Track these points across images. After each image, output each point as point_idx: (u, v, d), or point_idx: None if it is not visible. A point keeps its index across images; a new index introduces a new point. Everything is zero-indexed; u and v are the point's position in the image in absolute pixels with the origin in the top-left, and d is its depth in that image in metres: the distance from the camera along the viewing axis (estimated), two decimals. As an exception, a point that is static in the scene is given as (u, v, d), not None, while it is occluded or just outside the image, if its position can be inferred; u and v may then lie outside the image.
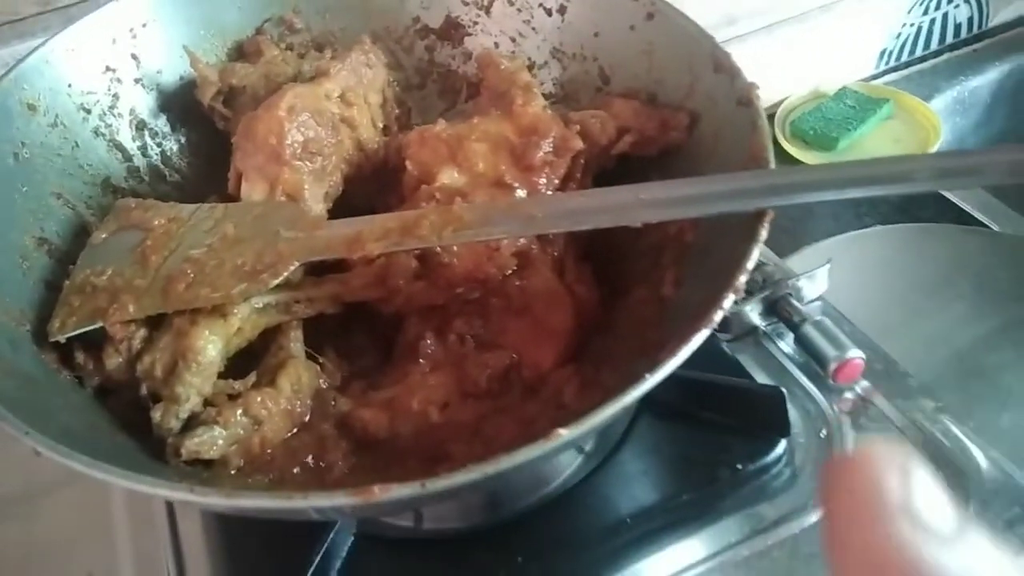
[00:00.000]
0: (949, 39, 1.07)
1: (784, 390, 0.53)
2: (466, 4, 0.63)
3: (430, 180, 0.51)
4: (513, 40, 0.62)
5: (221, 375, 0.45)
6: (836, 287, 0.66)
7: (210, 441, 0.42)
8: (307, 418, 0.46)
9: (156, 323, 0.45)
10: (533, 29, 0.61)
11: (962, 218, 0.87)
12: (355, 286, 0.48)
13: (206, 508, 0.47)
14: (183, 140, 0.59)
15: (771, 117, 0.95)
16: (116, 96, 0.56)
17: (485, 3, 0.63)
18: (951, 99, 1.03)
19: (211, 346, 0.44)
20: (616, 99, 0.55)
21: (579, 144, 0.51)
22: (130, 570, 0.55)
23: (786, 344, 0.62)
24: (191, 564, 0.53)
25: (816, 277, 0.62)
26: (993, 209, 0.88)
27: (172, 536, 0.55)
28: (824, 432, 0.56)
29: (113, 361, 0.44)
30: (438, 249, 0.48)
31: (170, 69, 0.58)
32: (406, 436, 0.45)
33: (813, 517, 0.51)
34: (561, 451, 0.38)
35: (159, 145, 0.58)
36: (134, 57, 0.57)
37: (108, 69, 0.56)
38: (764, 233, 0.41)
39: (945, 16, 1.05)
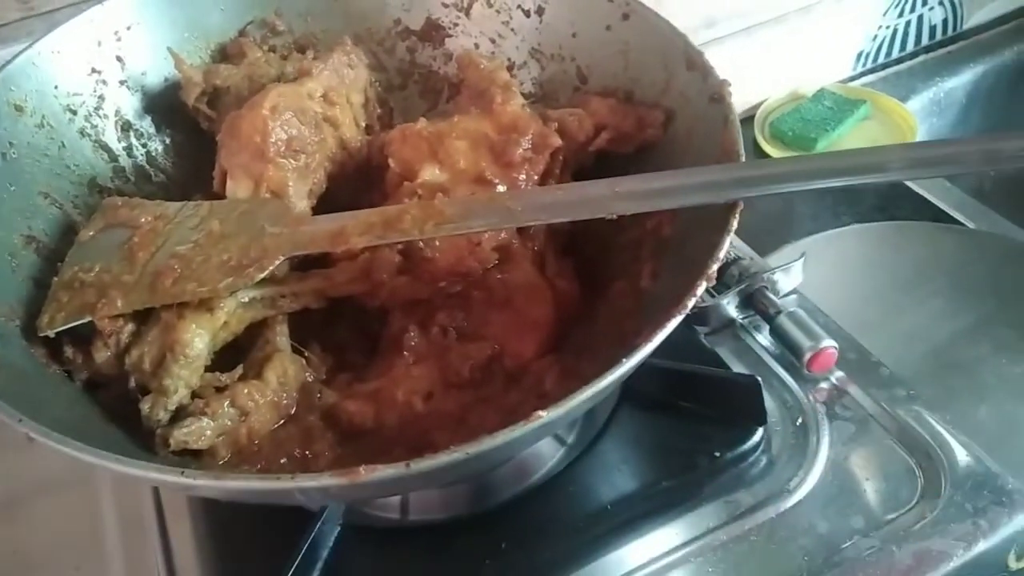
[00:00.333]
0: (925, 41, 1.09)
1: (760, 379, 0.55)
2: (446, 6, 0.64)
3: (412, 177, 0.52)
4: (492, 41, 0.64)
5: (208, 369, 0.46)
6: (815, 284, 0.68)
7: (198, 431, 0.43)
8: (293, 410, 0.47)
9: (144, 317, 0.46)
10: (512, 30, 0.63)
11: (939, 216, 0.88)
12: (339, 281, 0.49)
13: (195, 493, 0.48)
14: (168, 140, 0.60)
15: (750, 118, 0.96)
16: (101, 97, 0.57)
17: (465, 5, 0.64)
18: (927, 100, 1.05)
19: (198, 339, 0.44)
20: (593, 97, 0.56)
21: (557, 141, 0.52)
22: (121, 572, 0.55)
23: (763, 336, 0.64)
24: (181, 563, 0.54)
25: (791, 270, 0.64)
26: (969, 207, 0.89)
27: (161, 535, 0.55)
28: (800, 420, 0.58)
29: (102, 355, 0.45)
30: (421, 244, 0.50)
31: (154, 71, 0.59)
32: (391, 427, 0.46)
33: (790, 502, 0.53)
34: (542, 433, 0.39)
35: (144, 145, 0.59)
36: (119, 59, 0.58)
37: (93, 71, 0.56)
38: (735, 223, 0.42)
39: (920, 18, 1.07)
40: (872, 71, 1.07)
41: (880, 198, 0.90)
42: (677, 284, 0.41)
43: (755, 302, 0.63)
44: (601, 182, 0.47)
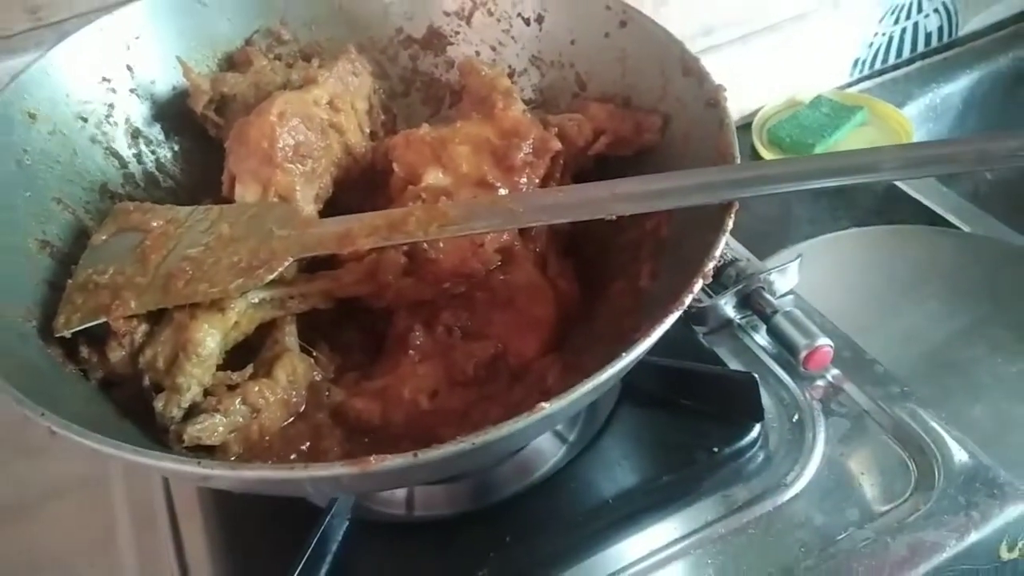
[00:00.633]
0: (920, 47, 1.10)
1: (758, 377, 0.56)
2: (447, 15, 0.66)
3: (416, 181, 0.54)
4: (493, 49, 0.65)
5: (219, 368, 0.47)
6: (812, 287, 0.69)
7: (211, 428, 0.44)
8: (302, 408, 0.48)
9: (157, 318, 0.47)
10: (512, 38, 0.64)
11: (935, 220, 0.89)
12: (346, 282, 0.50)
13: (211, 484, 0.49)
14: (176, 147, 0.61)
15: (748, 125, 0.97)
16: (112, 105, 0.58)
17: (466, 14, 0.65)
18: (924, 106, 1.06)
19: (210, 338, 0.46)
20: (592, 103, 0.58)
21: (557, 145, 0.54)
22: (134, 567, 0.56)
23: (760, 336, 0.65)
24: (192, 558, 0.55)
25: (787, 271, 0.65)
26: (965, 211, 0.90)
27: (173, 531, 0.57)
28: (796, 417, 0.59)
29: (116, 354, 0.46)
30: (425, 246, 0.51)
31: (163, 79, 0.61)
32: (398, 423, 0.47)
33: (786, 496, 0.54)
34: (545, 425, 0.40)
35: (153, 152, 0.60)
36: (128, 68, 0.59)
37: (104, 79, 0.58)
38: (731, 223, 0.44)
39: (916, 25, 1.08)
40: (868, 78, 1.08)
41: (877, 202, 0.91)
42: (675, 283, 0.43)
43: (752, 302, 0.64)
44: (600, 184, 0.48)
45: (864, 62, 1.07)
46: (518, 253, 0.52)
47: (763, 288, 0.64)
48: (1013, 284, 0.79)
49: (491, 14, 0.65)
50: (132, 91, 0.59)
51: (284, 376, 0.48)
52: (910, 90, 1.06)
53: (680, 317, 0.40)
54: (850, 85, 1.07)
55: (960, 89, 1.08)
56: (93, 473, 0.60)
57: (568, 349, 0.49)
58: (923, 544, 0.51)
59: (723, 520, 0.53)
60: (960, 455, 0.56)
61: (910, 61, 1.10)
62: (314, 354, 0.51)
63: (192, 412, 0.46)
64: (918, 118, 1.04)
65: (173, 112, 0.61)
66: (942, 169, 0.47)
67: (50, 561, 0.58)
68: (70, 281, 0.49)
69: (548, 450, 0.55)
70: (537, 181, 0.53)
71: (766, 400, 0.58)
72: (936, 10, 1.08)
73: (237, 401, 0.46)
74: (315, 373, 0.50)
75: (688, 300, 0.40)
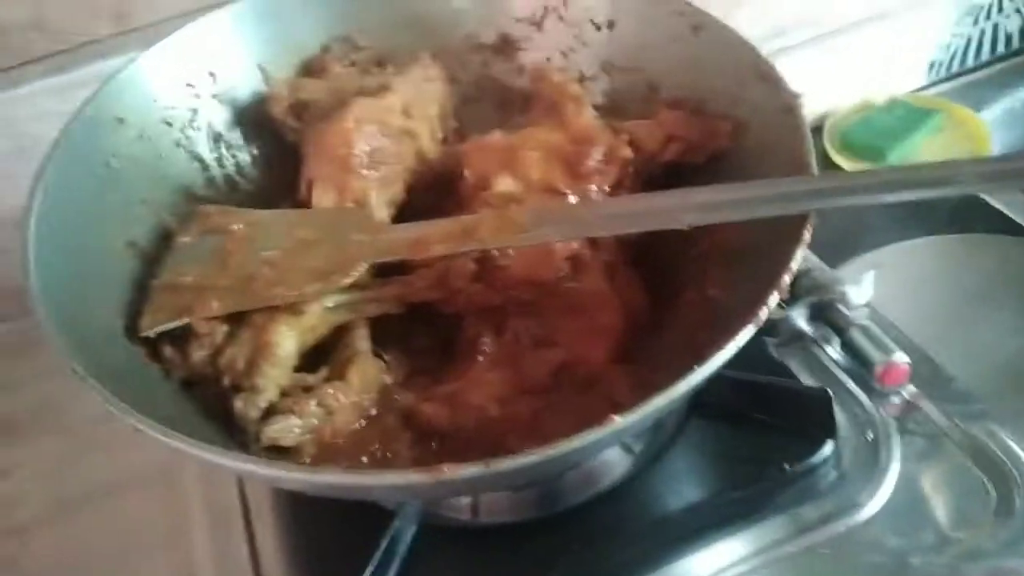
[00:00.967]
0: (1000, 50, 1.06)
1: (831, 392, 0.55)
2: (519, 21, 0.66)
3: (486, 187, 0.54)
4: (564, 54, 0.65)
5: (295, 370, 0.48)
6: (884, 297, 0.67)
7: (287, 429, 0.45)
8: (373, 411, 0.49)
9: (236, 319, 0.48)
10: (583, 43, 0.64)
11: (1013, 229, 0.86)
12: (418, 287, 0.51)
13: (286, 486, 0.50)
14: (255, 152, 0.63)
15: (819, 128, 0.95)
16: (195, 111, 0.60)
17: (537, 20, 0.65)
18: (1001, 110, 1.02)
19: (288, 341, 0.47)
20: (663, 109, 0.57)
21: (628, 152, 0.53)
22: (207, 559, 0.58)
23: (833, 349, 0.63)
24: (265, 556, 0.56)
25: (862, 283, 0.63)
26: (1044, 220, 0.87)
27: (247, 529, 0.58)
28: (871, 435, 0.57)
29: (198, 355, 0.47)
30: (495, 252, 0.51)
31: (243, 85, 0.62)
32: (466, 429, 0.48)
33: (859, 517, 0.52)
34: (615, 439, 0.40)
35: (234, 156, 0.62)
36: (211, 74, 0.61)
37: (188, 85, 0.60)
38: (807, 236, 0.43)
39: (995, 26, 1.05)
40: (945, 80, 1.05)
41: (951, 210, 0.88)
42: (749, 295, 0.42)
43: (826, 314, 0.63)
44: (672, 193, 0.48)
45: (941, 64, 1.04)
46: (587, 261, 0.52)
47: (837, 300, 0.62)
48: (1096, 296, 0.76)
49: (562, 20, 0.64)
50: (214, 96, 0.61)
51: (357, 379, 0.49)
52: (988, 93, 1.02)
53: (751, 329, 0.39)
54: (925, 88, 1.04)
55: (1041, 93, 1.04)
56: (169, 467, 0.62)
57: (637, 360, 0.49)
58: (1002, 572, 0.49)
59: (793, 540, 0.52)
60: (1042, 478, 0.54)
61: (989, 63, 1.06)
62: (385, 357, 0.52)
63: (269, 413, 0.47)
64: (996, 123, 1.00)
65: (252, 117, 0.62)
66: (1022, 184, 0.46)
67: (125, 551, 0.60)
68: (154, 282, 0.50)
69: (615, 460, 0.55)
70: (607, 188, 0.53)
71: (839, 417, 0.56)
72: (1018, 10, 1.04)
73: (312, 403, 0.47)
74: (386, 376, 0.51)
75: (764, 315, 0.39)
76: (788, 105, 0.50)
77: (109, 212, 0.52)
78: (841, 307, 0.62)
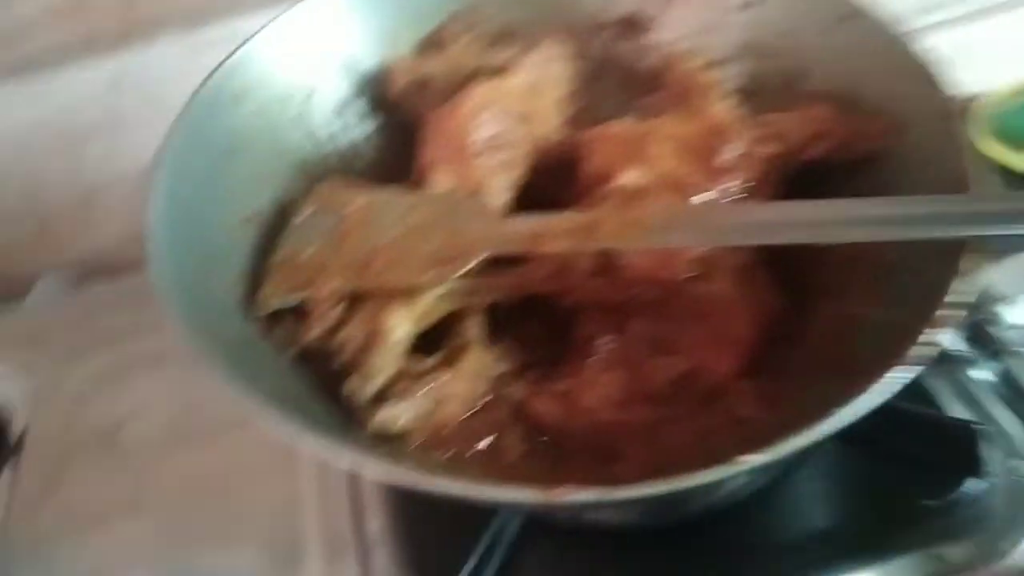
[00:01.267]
0: None
1: (977, 427, 0.50)
2: (648, -1, 0.62)
3: (609, 178, 0.51)
4: (697, 36, 0.61)
5: (407, 355, 0.47)
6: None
7: (397, 414, 0.44)
8: (483, 401, 0.47)
9: (351, 300, 0.48)
10: (718, 26, 0.60)
11: None
12: (535, 278, 0.49)
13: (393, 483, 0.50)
14: (371, 129, 0.62)
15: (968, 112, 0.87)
16: (312, 87, 0.59)
17: (667, -2, 0.62)
18: None
19: (401, 326, 0.46)
20: (808, 101, 0.53)
21: (769, 148, 0.50)
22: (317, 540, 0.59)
23: (984, 374, 0.57)
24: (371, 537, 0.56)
25: (1019, 302, 0.57)
26: None
27: (354, 512, 0.58)
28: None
29: (312, 333, 0.47)
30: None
31: (362, 61, 0.61)
32: (578, 429, 0.46)
33: (1004, 564, 0.48)
34: (745, 476, 0.37)
35: (349, 133, 0.61)
36: (330, 51, 0.60)
37: (306, 61, 0.59)
38: (965, 265, 0.39)
39: None
40: None
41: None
42: (902, 317, 0.38)
43: (978, 336, 0.57)
44: (817, 204, 0.44)
45: (1112, 42, 0.94)
46: (718, 262, 0.48)
47: (991, 320, 0.57)
48: None
49: (694, -1, 0.61)
50: (332, 73, 0.60)
51: (469, 367, 0.47)
52: None
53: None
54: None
55: None
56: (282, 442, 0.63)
57: (766, 372, 0.46)
58: None
59: (929, 581, 0.48)
60: None
61: None
62: (497, 347, 0.50)
63: (379, 398, 0.46)
64: None
65: (369, 95, 0.61)
66: None
67: (237, 521, 0.61)
68: (271, 259, 0.50)
69: (737, 476, 0.52)
70: (744, 186, 0.49)
71: (990, 452, 0.51)
72: None
73: (423, 389, 0.46)
74: (497, 367, 0.49)
75: (933, 342, 0.35)
76: (948, 110, 0.46)
77: (229, 189, 0.52)
78: (995, 328, 0.57)
